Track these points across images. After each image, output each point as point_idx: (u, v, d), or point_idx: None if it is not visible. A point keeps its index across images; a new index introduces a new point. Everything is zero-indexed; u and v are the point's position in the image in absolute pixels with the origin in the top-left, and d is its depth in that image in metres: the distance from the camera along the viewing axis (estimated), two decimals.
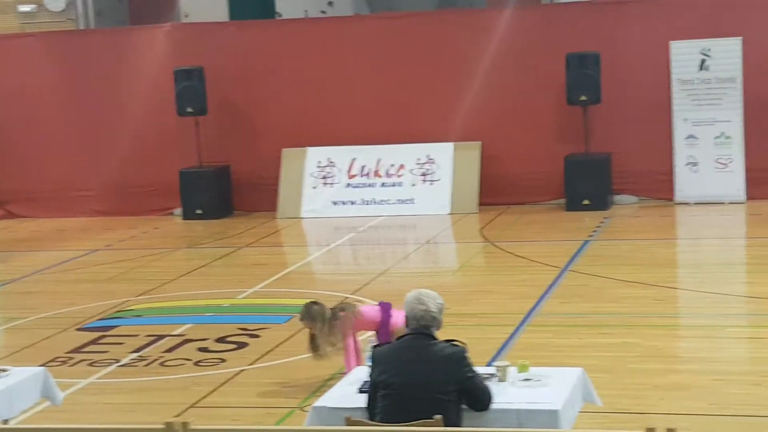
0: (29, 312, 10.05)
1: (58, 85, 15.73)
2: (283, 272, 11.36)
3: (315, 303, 7.18)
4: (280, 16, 17.93)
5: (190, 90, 14.78)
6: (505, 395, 5.20)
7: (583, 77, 13.73)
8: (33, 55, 15.80)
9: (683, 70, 13.75)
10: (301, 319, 7.18)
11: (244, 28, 15.39)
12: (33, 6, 16.53)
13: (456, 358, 5.08)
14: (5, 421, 5.91)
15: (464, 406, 5.07)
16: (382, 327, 7.01)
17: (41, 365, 7.22)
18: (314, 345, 7.08)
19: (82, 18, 16.59)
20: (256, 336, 8.75)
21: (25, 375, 6.11)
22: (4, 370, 6.07)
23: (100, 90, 15.55)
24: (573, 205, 13.84)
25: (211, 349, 8.44)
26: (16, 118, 15.84)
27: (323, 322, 7.02)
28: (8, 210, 16.06)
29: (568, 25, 14.28)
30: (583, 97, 13.77)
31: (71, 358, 8.39)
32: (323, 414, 5.30)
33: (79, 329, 9.29)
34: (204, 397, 7.29)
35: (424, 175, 14.49)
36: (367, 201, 14.56)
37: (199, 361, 8.11)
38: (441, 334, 5.20)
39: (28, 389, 6.05)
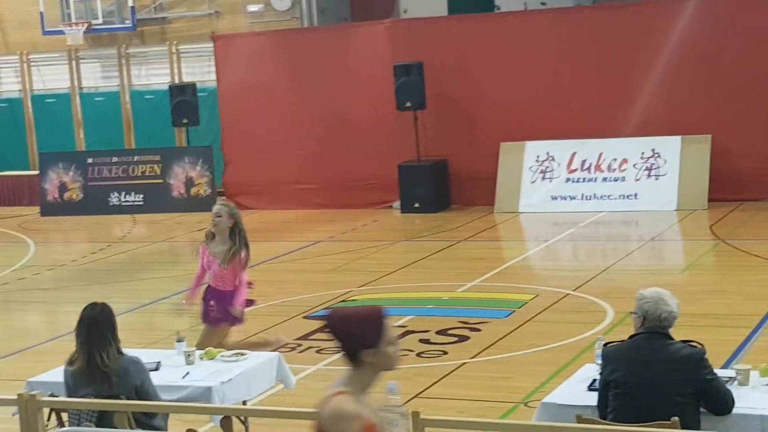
0: (259, 298, 10.40)
1: (284, 82, 16.24)
2: (502, 267, 11.28)
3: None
4: (499, 9, 17.82)
5: (409, 85, 14.93)
6: (747, 400, 4.97)
7: None
8: (261, 53, 16.39)
9: None
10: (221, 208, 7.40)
11: (462, 22, 15.39)
12: (261, 6, 17.17)
13: (695, 359, 4.90)
14: (244, 402, 6.15)
15: (702, 410, 4.87)
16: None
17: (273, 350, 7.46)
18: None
19: (306, 16, 17.10)
20: (477, 330, 8.73)
21: (261, 359, 6.35)
22: (242, 354, 6.32)
23: (322, 86, 15.95)
24: None
25: (433, 341, 8.49)
26: (245, 113, 16.49)
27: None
28: (237, 201, 16.67)
29: None
30: None
31: (299, 345, 8.65)
32: (552, 411, 5.23)
33: (306, 317, 9.56)
34: (427, 388, 7.33)
35: (648, 169, 14.04)
36: (588, 196, 14.24)
37: (422, 353, 8.17)
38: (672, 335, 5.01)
39: (264, 373, 6.27)
